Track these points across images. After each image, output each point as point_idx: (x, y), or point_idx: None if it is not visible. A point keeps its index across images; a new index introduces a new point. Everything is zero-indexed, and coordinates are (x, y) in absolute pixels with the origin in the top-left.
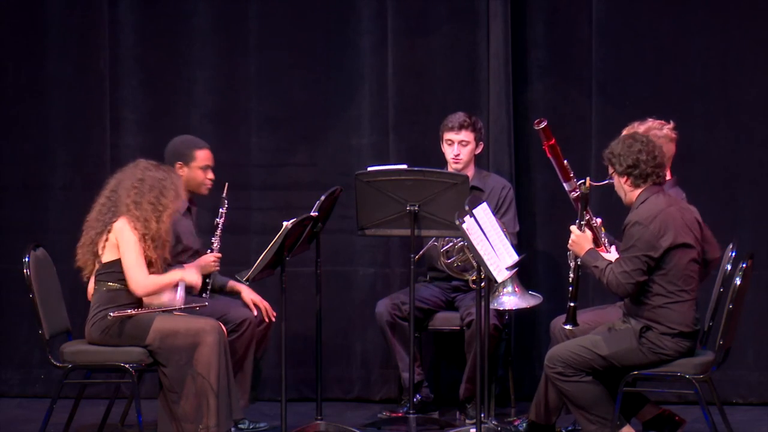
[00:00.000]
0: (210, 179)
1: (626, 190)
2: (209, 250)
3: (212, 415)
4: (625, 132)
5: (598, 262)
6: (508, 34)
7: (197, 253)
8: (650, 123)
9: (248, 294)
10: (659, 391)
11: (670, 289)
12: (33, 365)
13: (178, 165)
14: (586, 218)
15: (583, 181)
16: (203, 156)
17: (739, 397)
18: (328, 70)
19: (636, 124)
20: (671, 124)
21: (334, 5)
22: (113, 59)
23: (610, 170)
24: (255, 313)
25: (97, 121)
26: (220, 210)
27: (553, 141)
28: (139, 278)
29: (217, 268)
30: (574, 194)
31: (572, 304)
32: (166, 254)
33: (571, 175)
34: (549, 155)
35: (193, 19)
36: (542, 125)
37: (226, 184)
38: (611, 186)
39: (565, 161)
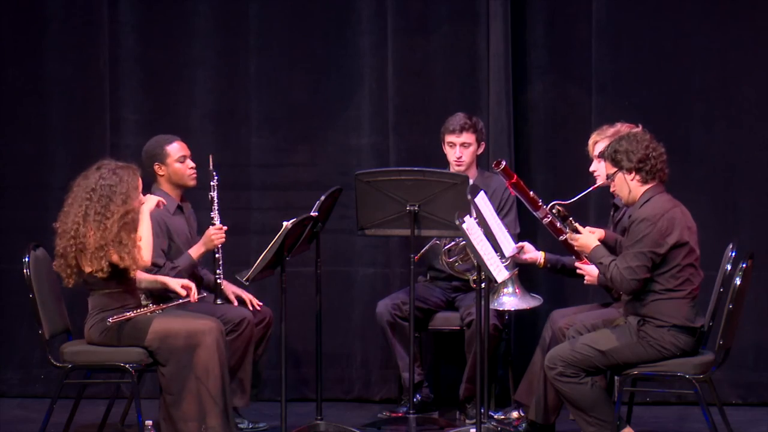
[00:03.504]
0: (192, 168)
1: (631, 187)
2: (211, 226)
3: (213, 416)
4: (594, 136)
5: (603, 258)
6: (508, 34)
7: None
8: (619, 126)
9: (229, 287)
10: (659, 391)
11: (666, 286)
12: (33, 365)
13: (156, 166)
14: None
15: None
16: (175, 149)
17: (739, 397)
18: (327, 70)
19: (605, 127)
20: (639, 128)
21: (334, 5)
22: (113, 59)
23: (609, 169)
24: (251, 308)
25: (97, 121)
26: (211, 183)
27: (515, 178)
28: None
29: (222, 239)
30: (546, 220)
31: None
32: (123, 256)
33: (540, 203)
34: (514, 192)
35: (193, 19)
36: (502, 166)
37: (210, 156)
38: (603, 191)
39: (531, 192)
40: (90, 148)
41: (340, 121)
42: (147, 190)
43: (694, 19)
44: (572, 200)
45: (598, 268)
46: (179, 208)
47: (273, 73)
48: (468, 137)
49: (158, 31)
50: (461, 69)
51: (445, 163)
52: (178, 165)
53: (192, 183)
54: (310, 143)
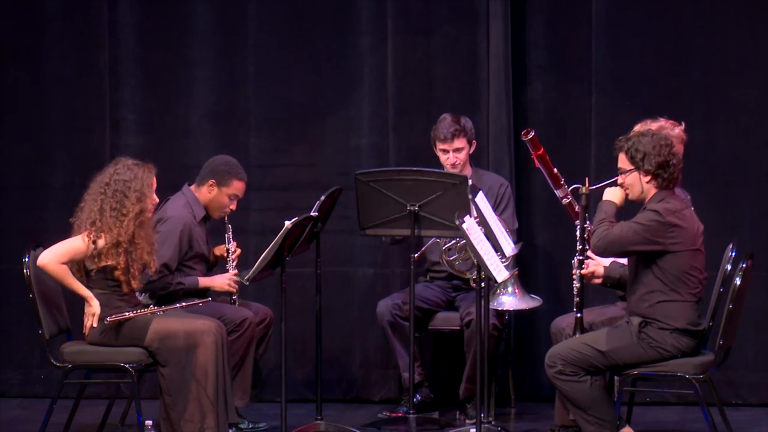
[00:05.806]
0: (231, 209)
1: (645, 188)
2: (232, 270)
3: (212, 417)
4: (638, 128)
5: (607, 214)
6: (508, 34)
7: (207, 260)
8: (663, 122)
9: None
10: (659, 391)
11: (670, 287)
12: (33, 365)
13: (210, 182)
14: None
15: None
16: (238, 187)
17: (739, 398)
18: (327, 70)
19: (648, 121)
20: (682, 126)
21: (334, 5)
22: (113, 59)
23: (624, 164)
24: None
25: (97, 121)
26: (228, 246)
27: (541, 150)
28: (47, 253)
29: (231, 289)
30: (565, 200)
31: (579, 315)
32: (143, 256)
33: (562, 182)
34: (538, 165)
35: (193, 19)
36: (530, 136)
37: (225, 217)
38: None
39: (555, 169)
40: (90, 148)
41: (339, 121)
42: (163, 192)
43: (694, 19)
44: (594, 187)
45: (596, 217)
46: (204, 219)
47: (272, 74)
48: (459, 142)
49: (158, 31)
50: (461, 69)
51: None
52: (227, 199)
53: (217, 218)
54: (310, 143)
